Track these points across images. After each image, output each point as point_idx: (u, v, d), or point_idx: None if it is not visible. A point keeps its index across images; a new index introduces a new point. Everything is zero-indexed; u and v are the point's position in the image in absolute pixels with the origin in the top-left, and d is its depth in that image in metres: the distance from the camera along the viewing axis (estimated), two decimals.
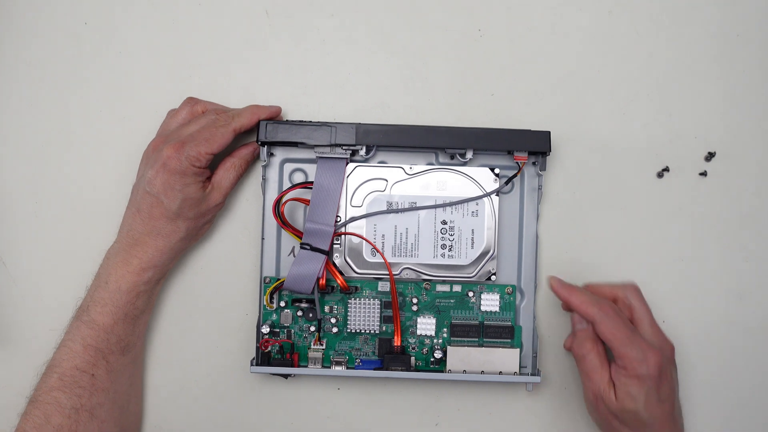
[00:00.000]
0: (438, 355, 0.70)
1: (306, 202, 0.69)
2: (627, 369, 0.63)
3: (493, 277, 0.70)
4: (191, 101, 0.70)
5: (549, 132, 0.69)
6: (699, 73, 0.73)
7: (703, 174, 0.73)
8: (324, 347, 0.70)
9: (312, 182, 0.69)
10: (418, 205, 0.70)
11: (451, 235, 0.70)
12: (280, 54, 0.73)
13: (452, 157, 0.71)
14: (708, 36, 0.73)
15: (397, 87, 0.73)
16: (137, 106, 0.73)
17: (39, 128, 0.73)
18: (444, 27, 0.73)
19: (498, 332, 0.70)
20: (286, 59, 0.73)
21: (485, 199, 0.70)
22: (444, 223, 0.70)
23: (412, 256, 0.70)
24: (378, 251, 0.69)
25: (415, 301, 0.70)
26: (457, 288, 0.70)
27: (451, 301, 0.70)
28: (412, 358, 0.70)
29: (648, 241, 0.73)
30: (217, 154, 0.67)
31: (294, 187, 0.69)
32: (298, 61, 0.73)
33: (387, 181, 0.70)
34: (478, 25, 0.73)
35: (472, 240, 0.70)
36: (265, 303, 0.70)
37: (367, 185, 0.70)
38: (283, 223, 0.69)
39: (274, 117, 0.70)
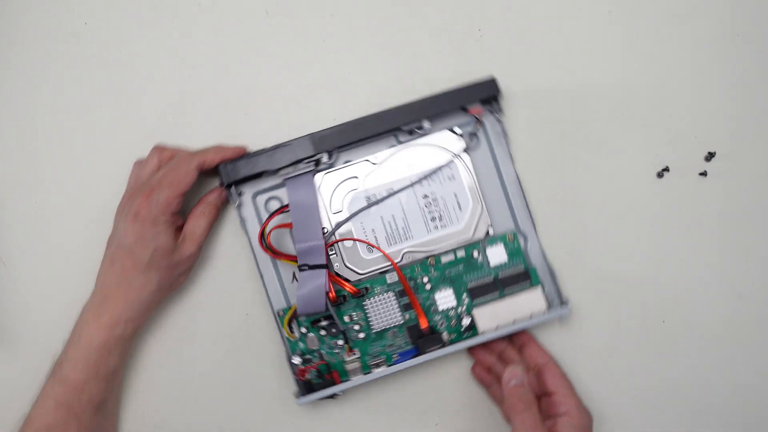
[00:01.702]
0: (466, 322, 0.70)
1: (289, 225, 0.69)
2: (570, 417, 0.64)
3: (490, 231, 0.70)
4: (158, 150, 0.69)
5: (493, 76, 0.69)
6: (699, 73, 0.73)
7: (703, 174, 0.72)
8: (358, 356, 0.70)
9: (287, 205, 0.69)
10: (395, 189, 0.70)
11: (437, 206, 0.70)
12: (280, 54, 0.73)
13: (411, 132, 0.71)
14: (708, 36, 0.73)
15: (397, 87, 0.73)
16: (137, 105, 0.73)
17: (39, 128, 0.73)
18: (444, 27, 0.73)
19: (515, 280, 0.70)
20: (286, 59, 0.73)
21: (456, 160, 0.70)
22: (425, 197, 0.70)
23: (407, 239, 0.70)
24: (374, 246, 0.69)
25: (426, 280, 0.70)
26: (461, 253, 0.70)
27: (460, 267, 0.70)
28: (444, 334, 0.70)
29: (648, 241, 0.72)
30: (185, 194, 0.67)
31: (272, 215, 0.69)
32: (298, 61, 0.73)
33: (358, 177, 0.70)
34: (478, 25, 0.73)
35: (458, 203, 0.70)
36: (286, 335, 0.70)
37: (341, 188, 0.70)
38: (274, 253, 0.69)
39: (239, 156, 0.69)
